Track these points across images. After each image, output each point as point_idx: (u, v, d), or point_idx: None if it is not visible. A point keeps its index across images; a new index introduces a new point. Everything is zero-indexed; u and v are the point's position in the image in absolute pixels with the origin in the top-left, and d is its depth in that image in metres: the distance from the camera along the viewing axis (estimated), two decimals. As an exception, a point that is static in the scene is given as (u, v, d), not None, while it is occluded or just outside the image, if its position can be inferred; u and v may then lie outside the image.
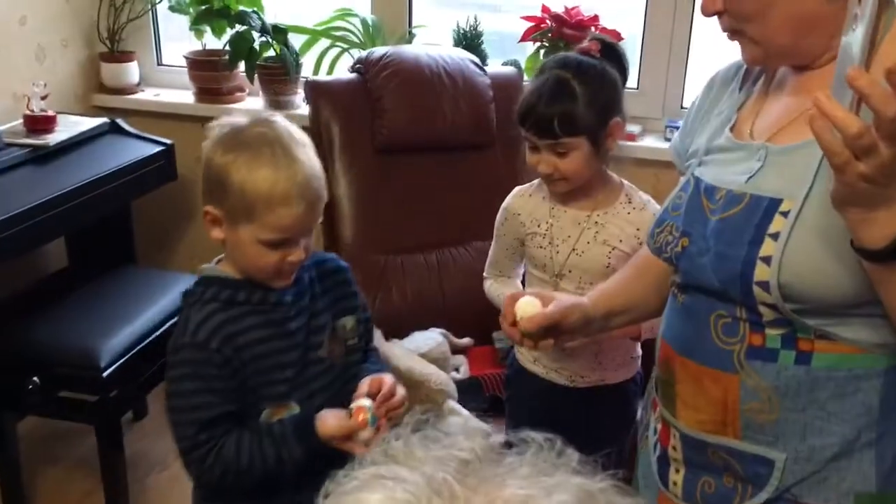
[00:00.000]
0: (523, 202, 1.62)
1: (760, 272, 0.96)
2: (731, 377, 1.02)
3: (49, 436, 2.35)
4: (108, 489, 1.99)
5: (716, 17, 1.04)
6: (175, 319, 2.04)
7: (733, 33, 1.04)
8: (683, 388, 1.09)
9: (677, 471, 1.12)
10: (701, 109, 1.18)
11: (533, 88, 1.50)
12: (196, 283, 1.26)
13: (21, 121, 2.27)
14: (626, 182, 1.62)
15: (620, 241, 1.54)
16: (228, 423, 1.21)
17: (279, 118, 1.23)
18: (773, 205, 0.97)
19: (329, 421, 1.22)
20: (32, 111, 2.26)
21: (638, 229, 1.53)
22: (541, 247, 1.57)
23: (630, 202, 1.57)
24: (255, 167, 1.15)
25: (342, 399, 1.25)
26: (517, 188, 1.66)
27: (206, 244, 2.63)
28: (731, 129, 1.09)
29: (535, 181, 1.63)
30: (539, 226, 1.58)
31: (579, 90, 1.46)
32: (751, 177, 1.01)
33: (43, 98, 2.27)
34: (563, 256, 1.55)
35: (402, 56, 2.18)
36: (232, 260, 1.25)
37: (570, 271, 1.55)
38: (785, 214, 0.96)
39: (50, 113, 2.28)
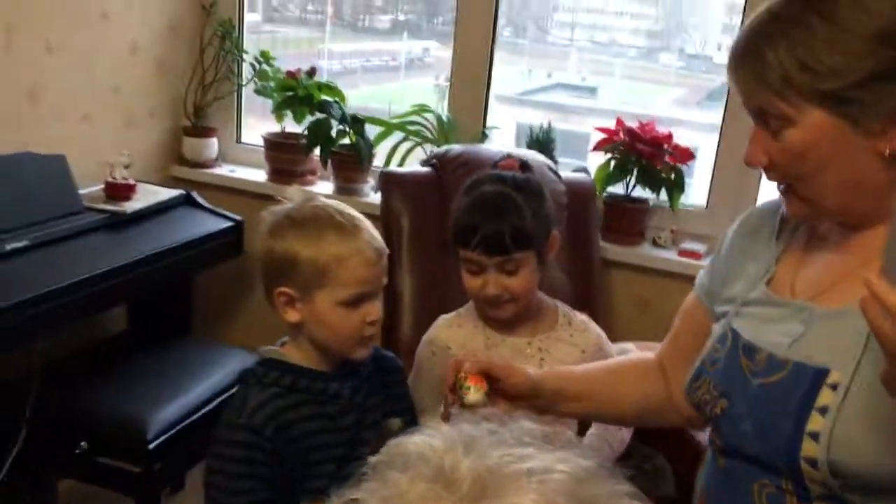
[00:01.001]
0: (452, 333, 1.49)
1: (808, 448, 0.92)
2: None
3: (85, 499, 2.33)
4: (139, 565, 1.95)
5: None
6: (226, 394, 2.09)
7: (781, 187, 1.02)
8: None
9: None
10: (733, 249, 1.15)
11: (470, 206, 1.42)
12: (258, 364, 1.26)
13: (102, 186, 2.35)
14: (558, 302, 1.54)
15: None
16: None
17: (321, 197, 1.30)
18: (819, 375, 0.94)
19: None
20: (114, 178, 2.33)
21: (583, 352, 1.46)
22: None
23: (570, 324, 1.50)
24: (320, 235, 1.21)
25: None
26: (441, 318, 1.54)
27: (263, 322, 2.63)
28: (769, 283, 1.05)
29: (461, 310, 1.53)
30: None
31: (523, 203, 1.40)
32: (794, 341, 0.98)
33: (126, 167, 2.35)
34: None
35: (480, 155, 2.21)
36: (311, 339, 1.25)
37: None
38: (833, 387, 0.92)
39: (130, 181, 2.36)
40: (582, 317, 1.53)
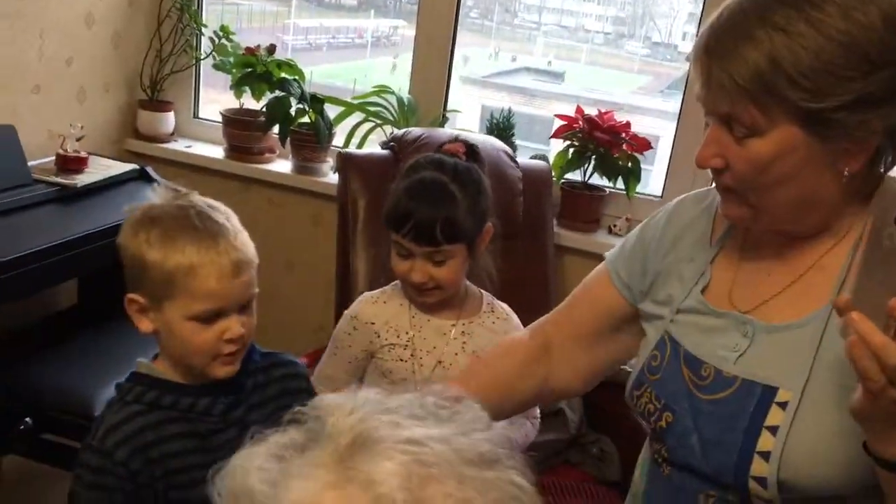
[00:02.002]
0: (377, 310, 1.47)
1: (758, 467, 0.92)
2: None
3: (30, 476, 2.30)
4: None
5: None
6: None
7: (725, 190, 0.96)
8: None
9: None
10: (663, 244, 1.09)
11: (406, 191, 1.39)
12: (127, 378, 1.16)
13: (53, 158, 2.30)
14: (483, 291, 1.54)
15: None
16: None
17: (196, 195, 1.17)
18: (768, 393, 0.93)
19: None
20: (66, 151, 2.29)
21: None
22: (401, 359, 1.44)
23: (493, 311, 1.51)
24: (171, 239, 1.08)
25: None
26: (366, 294, 1.53)
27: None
28: (704, 290, 1.02)
29: (387, 287, 1.52)
30: (399, 336, 1.45)
31: (459, 195, 1.37)
32: (740, 356, 0.96)
33: (78, 139, 2.30)
34: (427, 369, 1.43)
35: (439, 138, 2.20)
36: (167, 353, 1.15)
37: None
38: (782, 405, 0.92)
39: (82, 154, 2.31)
40: (504, 306, 1.53)
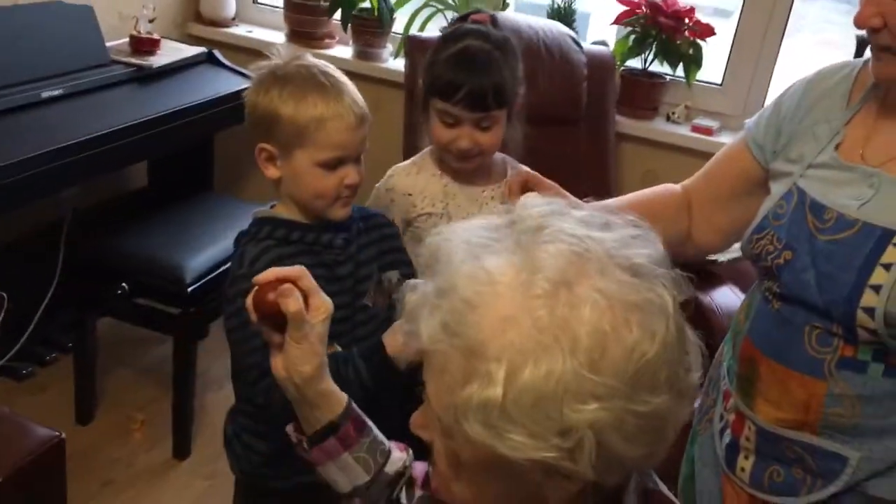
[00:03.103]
0: (412, 181, 1.50)
1: (868, 298, 1.00)
2: (820, 383, 1.07)
3: (122, 340, 2.47)
4: (176, 398, 2.10)
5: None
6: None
7: (881, 49, 1.02)
8: (767, 388, 1.13)
9: (746, 458, 1.17)
10: (800, 109, 1.16)
11: (452, 60, 1.40)
12: (250, 225, 1.28)
13: (127, 40, 2.36)
14: (504, 156, 1.57)
15: None
16: None
17: (310, 56, 1.27)
18: (886, 235, 1.01)
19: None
20: (139, 32, 2.34)
21: None
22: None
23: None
24: (301, 94, 1.20)
25: None
26: (397, 167, 1.55)
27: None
28: (837, 147, 1.09)
29: (416, 158, 1.54)
30: (434, 205, 1.48)
31: (501, 61, 1.40)
32: (864, 203, 1.04)
33: (150, 21, 2.35)
34: None
35: (504, 21, 2.23)
36: (290, 196, 1.27)
37: None
38: None
39: (155, 36, 2.37)
40: (525, 168, 1.56)
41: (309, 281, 0.91)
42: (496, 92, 1.39)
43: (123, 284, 1.99)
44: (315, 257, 1.26)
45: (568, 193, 1.25)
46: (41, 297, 2.31)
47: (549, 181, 1.34)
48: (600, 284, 0.63)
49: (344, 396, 0.92)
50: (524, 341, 0.61)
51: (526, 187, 1.33)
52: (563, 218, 0.67)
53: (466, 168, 1.48)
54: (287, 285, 0.89)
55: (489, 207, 1.50)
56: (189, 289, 1.99)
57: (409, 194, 1.49)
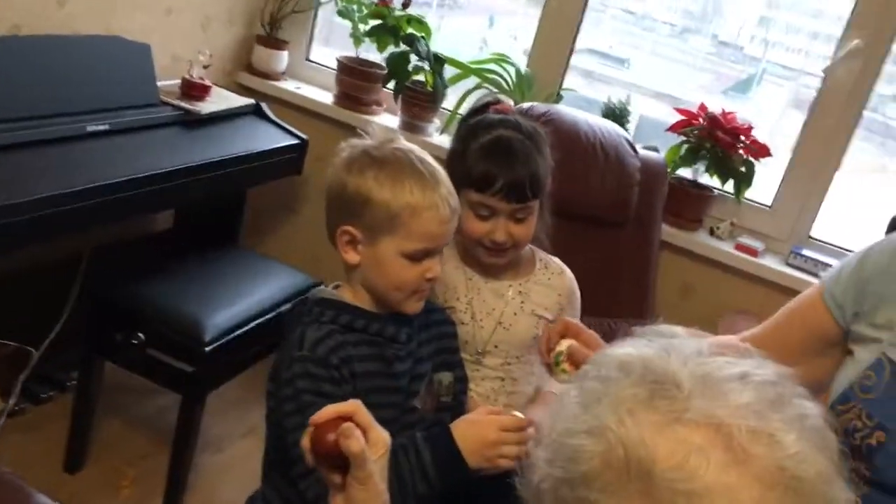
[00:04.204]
0: None
1: None
2: None
3: (119, 386, 2.36)
4: (174, 460, 1.99)
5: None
6: (278, 310, 2.10)
7: None
8: None
9: None
10: (880, 271, 1.09)
11: (487, 152, 1.38)
12: (314, 304, 1.21)
13: (178, 82, 2.33)
14: (534, 248, 1.53)
15: (546, 309, 1.46)
16: None
17: (403, 140, 1.22)
18: None
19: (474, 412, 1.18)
20: (191, 76, 2.31)
21: (559, 295, 1.48)
22: (462, 323, 1.42)
23: (547, 268, 1.51)
24: (398, 179, 1.15)
25: None
26: None
27: (306, 245, 2.62)
28: None
29: None
30: (458, 299, 1.44)
31: (535, 151, 1.39)
32: None
33: (205, 67, 2.32)
34: (487, 332, 1.43)
35: (563, 116, 2.20)
36: (364, 282, 1.20)
37: (496, 347, 1.44)
38: None
39: (207, 82, 2.34)
40: (556, 261, 1.54)
41: (365, 416, 0.86)
42: (532, 182, 1.37)
43: (141, 335, 1.90)
44: (376, 349, 1.19)
45: (603, 342, 1.19)
46: (46, 332, 2.22)
47: (588, 331, 1.26)
48: (786, 412, 0.57)
49: None
50: None
51: (564, 335, 1.27)
52: (714, 359, 0.58)
53: (499, 262, 1.44)
54: (348, 424, 0.83)
55: (514, 303, 1.46)
56: (207, 348, 1.90)
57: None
